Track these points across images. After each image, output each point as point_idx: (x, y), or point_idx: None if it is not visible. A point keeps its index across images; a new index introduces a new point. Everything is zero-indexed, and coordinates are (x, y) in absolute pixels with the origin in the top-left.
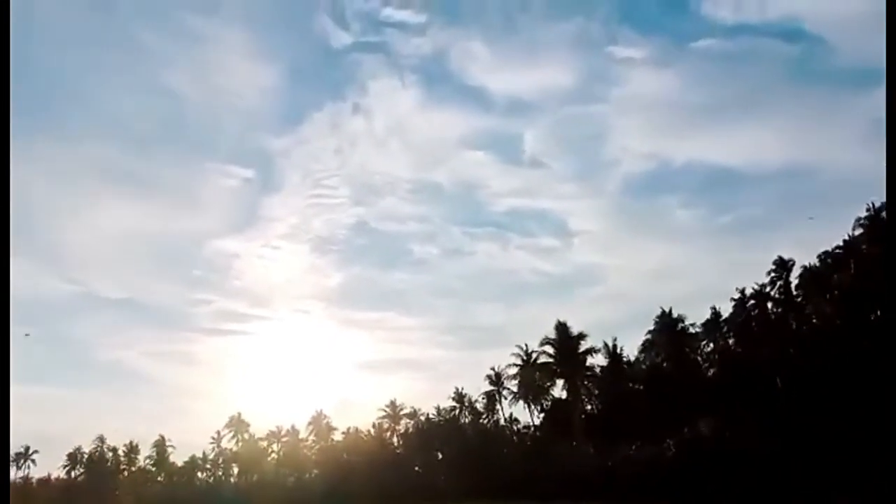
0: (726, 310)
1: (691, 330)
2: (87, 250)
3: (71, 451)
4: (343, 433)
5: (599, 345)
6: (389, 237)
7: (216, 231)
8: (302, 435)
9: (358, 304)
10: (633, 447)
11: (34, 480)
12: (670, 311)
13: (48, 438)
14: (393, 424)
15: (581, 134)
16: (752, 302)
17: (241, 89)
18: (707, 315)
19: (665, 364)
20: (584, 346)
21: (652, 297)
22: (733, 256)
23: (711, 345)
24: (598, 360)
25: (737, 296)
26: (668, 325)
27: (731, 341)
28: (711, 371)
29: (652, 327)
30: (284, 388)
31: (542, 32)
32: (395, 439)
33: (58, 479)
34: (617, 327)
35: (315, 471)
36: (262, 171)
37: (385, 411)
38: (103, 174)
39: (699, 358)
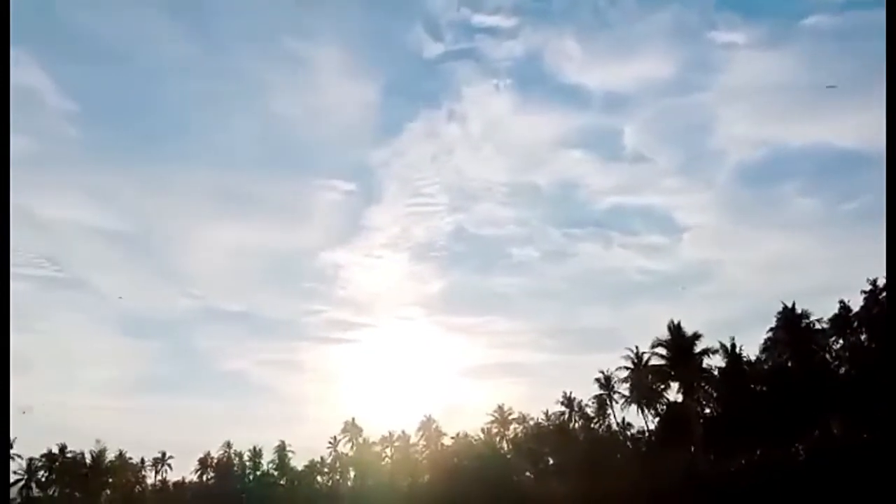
0: (857, 303)
1: (818, 326)
2: (206, 267)
3: (202, 456)
4: (452, 438)
5: (716, 345)
6: (488, 241)
7: (323, 243)
8: (413, 440)
9: (459, 310)
10: (758, 452)
11: (171, 484)
12: (793, 306)
13: (182, 445)
14: (502, 429)
15: (684, 125)
16: (885, 294)
17: (341, 106)
18: (835, 309)
19: (790, 363)
20: (699, 346)
21: (771, 293)
22: (860, 245)
23: (841, 341)
24: (716, 361)
25: (868, 287)
26: (791, 321)
27: (863, 337)
28: (843, 369)
29: (773, 324)
30: (393, 394)
31: (636, 25)
32: (504, 444)
33: (191, 482)
34: (734, 326)
35: (426, 475)
36: (364, 183)
37: (493, 416)
38: (219, 195)
39: (828, 356)
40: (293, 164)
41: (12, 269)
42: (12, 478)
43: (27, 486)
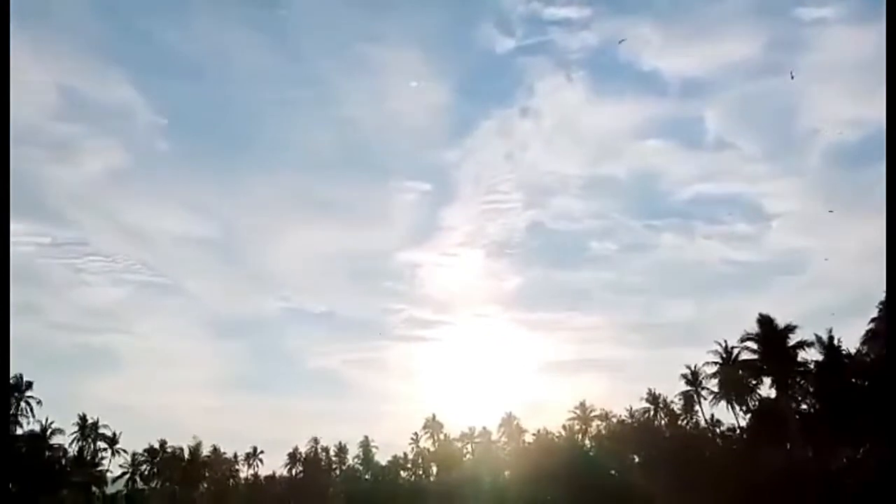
0: None
1: None
2: (292, 269)
3: (290, 451)
4: (533, 434)
5: (811, 337)
6: (565, 236)
7: (401, 244)
8: (494, 436)
9: (537, 306)
10: (861, 450)
11: (262, 477)
12: None
13: (272, 440)
14: (584, 426)
15: (771, 108)
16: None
17: (414, 109)
18: None
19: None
20: (793, 339)
21: (870, 281)
22: None
23: None
24: (812, 355)
25: None
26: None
27: None
28: None
29: (874, 315)
30: (472, 391)
31: (716, 5)
32: (586, 441)
33: (281, 476)
34: (830, 317)
35: (507, 472)
36: (438, 183)
37: (575, 413)
38: (300, 200)
39: None
40: (370, 166)
41: (112, 275)
42: (118, 472)
43: (132, 480)
